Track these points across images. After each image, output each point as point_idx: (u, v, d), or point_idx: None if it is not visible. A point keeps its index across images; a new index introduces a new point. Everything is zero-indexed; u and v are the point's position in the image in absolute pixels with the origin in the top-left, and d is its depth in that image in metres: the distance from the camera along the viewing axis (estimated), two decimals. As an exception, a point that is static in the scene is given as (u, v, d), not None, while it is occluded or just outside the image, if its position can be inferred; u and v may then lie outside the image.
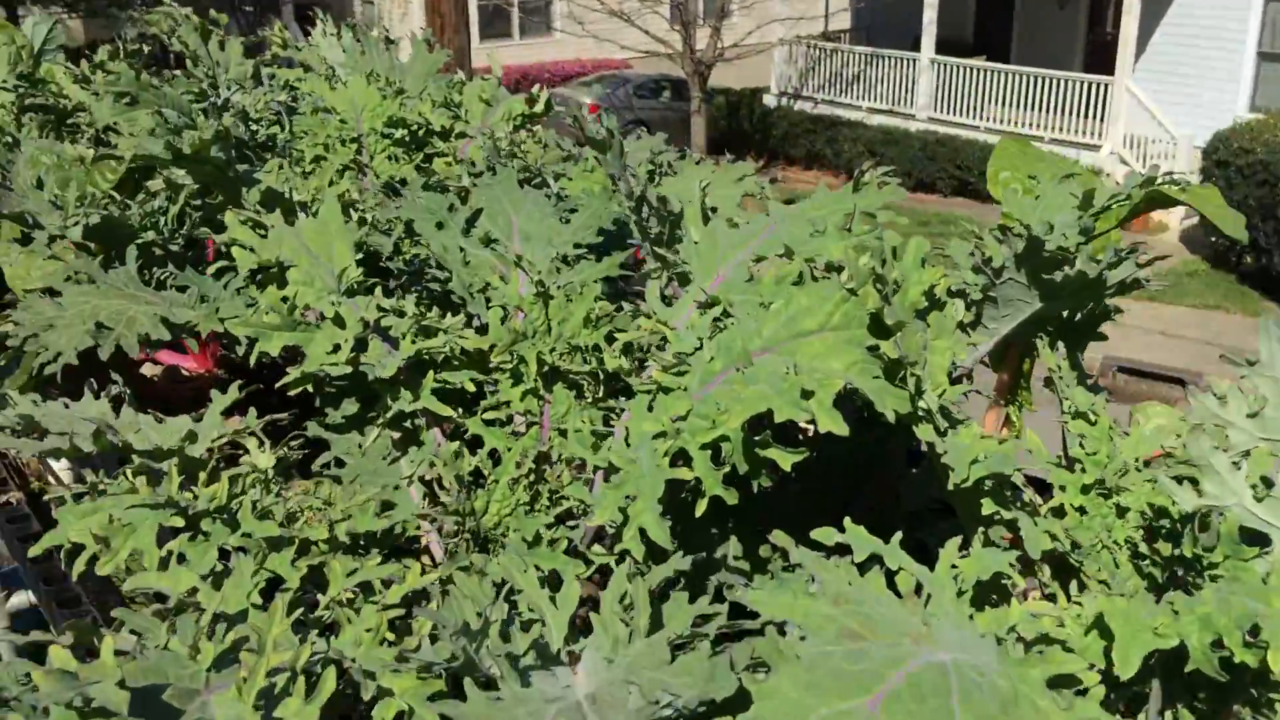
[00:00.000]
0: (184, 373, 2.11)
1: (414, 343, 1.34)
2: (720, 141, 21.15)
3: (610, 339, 1.34)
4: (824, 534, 1.02)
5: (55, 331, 1.64)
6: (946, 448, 1.06)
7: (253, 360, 1.36)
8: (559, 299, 1.33)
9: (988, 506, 1.09)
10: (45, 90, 2.80)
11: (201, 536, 1.11)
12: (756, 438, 1.04)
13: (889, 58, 20.03)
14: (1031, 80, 17.91)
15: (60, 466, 3.77)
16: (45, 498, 3.39)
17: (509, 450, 1.28)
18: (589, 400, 1.32)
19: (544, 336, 1.31)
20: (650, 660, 0.92)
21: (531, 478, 1.29)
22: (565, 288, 1.39)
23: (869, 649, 0.87)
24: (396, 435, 1.42)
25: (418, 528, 1.36)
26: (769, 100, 21.41)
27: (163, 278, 1.82)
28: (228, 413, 2.17)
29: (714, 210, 1.40)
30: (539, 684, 0.98)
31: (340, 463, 1.50)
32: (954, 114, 19.02)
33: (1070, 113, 17.48)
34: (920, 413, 1.07)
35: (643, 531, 1.08)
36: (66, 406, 1.43)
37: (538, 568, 1.12)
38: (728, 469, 1.08)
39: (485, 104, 2.35)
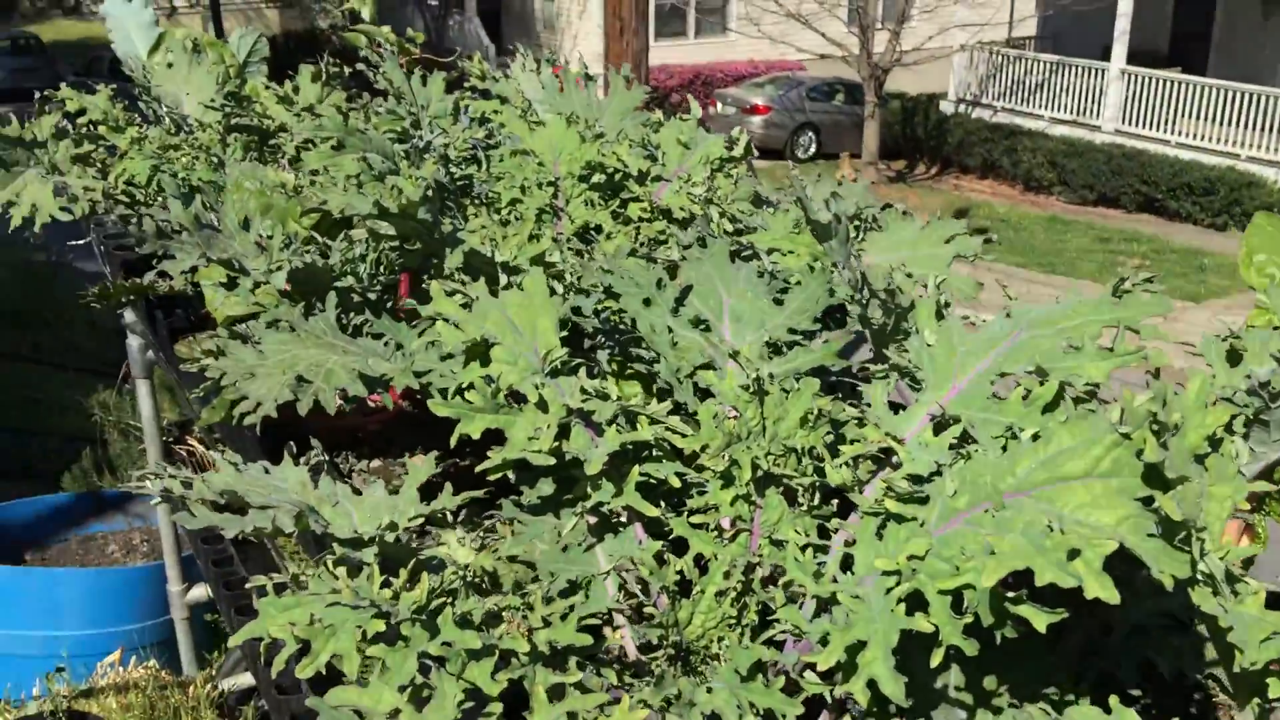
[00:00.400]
0: (370, 404, 2.11)
1: (619, 433, 1.27)
2: (893, 147, 20.70)
3: (829, 442, 1.25)
4: (1084, 715, 0.91)
5: (256, 381, 1.64)
6: (1231, 622, 0.93)
7: (453, 442, 1.31)
8: (774, 395, 1.24)
9: (1275, 689, 0.95)
10: (250, 110, 2.86)
11: (402, 642, 1.06)
12: (1009, 594, 0.93)
13: (1076, 66, 19.21)
14: (1229, 95, 16.92)
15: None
16: (247, 585, 3.48)
17: (716, 558, 1.20)
18: (803, 508, 1.23)
19: (758, 438, 1.22)
20: None
21: (739, 589, 1.20)
22: (780, 380, 1.30)
23: None
24: (593, 520, 1.36)
25: (611, 622, 1.30)
26: (946, 106, 20.81)
27: (359, 324, 1.81)
28: (407, 448, 2.17)
29: (938, 288, 1.29)
30: None
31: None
32: (1143, 127, 18.12)
33: (1271, 130, 16.43)
34: (1201, 578, 0.94)
35: (872, 682, 0.98)
36: (266, 471, 1.42)
37: (752, 704, 1.04)
38: (969, 619, 0.97)
39: (683, 146, 2.27)
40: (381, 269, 1.86)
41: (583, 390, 1.33)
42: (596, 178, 2.12)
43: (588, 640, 1.12)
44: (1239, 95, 16.77)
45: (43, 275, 10.34)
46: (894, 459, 1.15)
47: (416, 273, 2.01)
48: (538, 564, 1.33)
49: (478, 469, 1.31)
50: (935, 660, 0.97)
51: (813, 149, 20.85)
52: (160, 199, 2.55)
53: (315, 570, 1.17)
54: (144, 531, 4.72)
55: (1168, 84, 17.79)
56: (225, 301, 1.90)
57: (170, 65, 2.89)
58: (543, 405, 1.29)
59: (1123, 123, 18.39)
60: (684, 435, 1.29)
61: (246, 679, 3.84)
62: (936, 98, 21.10)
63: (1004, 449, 1.05)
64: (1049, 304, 1.22)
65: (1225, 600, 0.95)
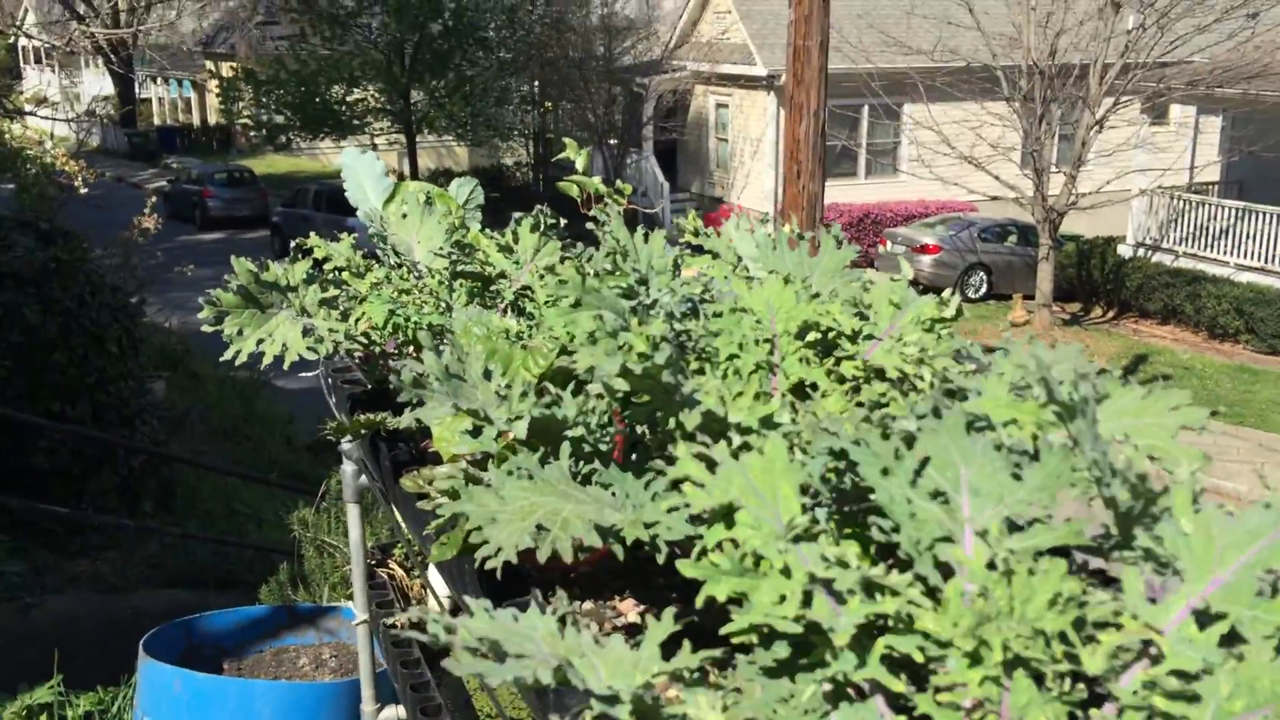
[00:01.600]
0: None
1: (861, 604, 1.30)
2: (1067, 290, 20.27)
3: (1079, 625, 1.25)
4: None
5: (498, 526, 1.73)
6: None
7: (699, 602, 1.36)
8: (1021, 574, 1.26)
9: None
10: (473, 257, 3.06)
11: (660, 802, 1.10)
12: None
13: (1264, 213, 18.55)
14: None
15: (440, 591, 4.02)
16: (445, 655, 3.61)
17: (963, 741, 1.21)
18: (1052, 693, 1.22)
19: (1006, 618, 1.23)
20: None
21: (986, 774, 1.20)
22: (1021, 557, 1.31)
23: None
24: (829, 688, 1.38)
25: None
26: (1124, 250, 20.33)
27: (587, 473, 1.90)
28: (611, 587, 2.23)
29: (1193, 475, 1.28)
30: None
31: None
32: (1337, 274, 17.28)
33: None
34: None
35: None
36: (515, 619, 1.50)
37: None
38: (1248, 830, 0.95)
39: (894, 306, 2.33)
40: (612, 422, 1.96)
41: (823, 558, 1.36)
42: (811, 336, 2.18)
43: (840, 815, 1.13)
44: None
45: (246, 392, 11.03)
46: (1152, 650, 1.14)
47: (633, 427, 2.11)
48: (775, 728, 1.35)
49: (721, 631, 1.36)
50: None
51: (984, 289, 20.61)
52: (396, 341, 2.74)
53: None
54: (333, 647, 4.89)
55: (1363, 231, 17.00)
56: (448, 429, 2.03)
57: (404, 215, 3.13)
58: (786, 571, 1.33)
59: (1314, 270, 17.61)
60: (926, 608, 1.31)
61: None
62: (1114, 241, 20.66)
63: (1277, 650, 1.03)
64: (1312, 497, 1.20)
65: None
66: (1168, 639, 1.12)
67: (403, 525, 3.39)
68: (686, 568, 1.34)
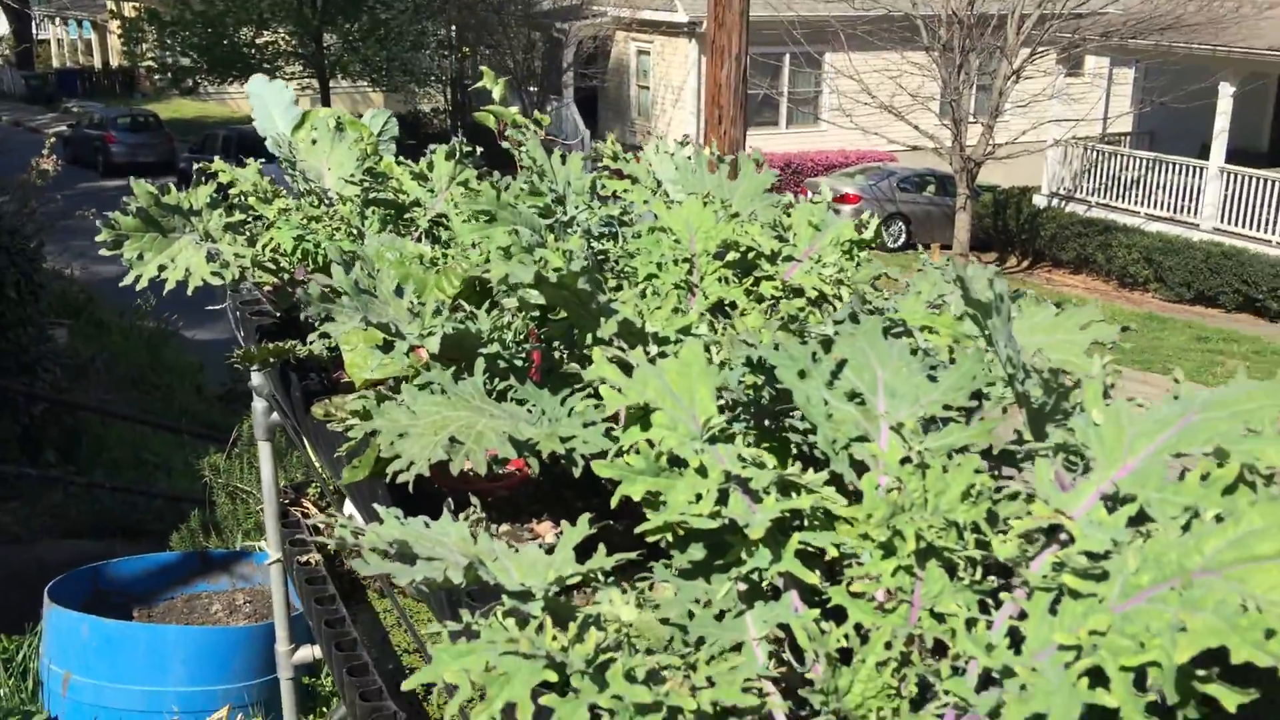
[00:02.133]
0: (495, 469, 2.15)
1: (777, 501, 1.29)
2: (984, 239, 20.60)
3: (990, 518, 1.26)
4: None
5: (409, 440, 1.69)
6: None
7: (614, 503, 1.35)
8: (936, 468, 1.26)
9: None
10: (386, 185, 2.98)
11: (573, 694, 1.09)
12: (1199, 671, 0.92)
13: (1173, 164, 19.01)
14: (1336, 195, 16.58)
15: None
16: (366, 586, 3.55)
17: (877, 628, 1.21)
18: (964, 582, 1.23)
19: (920, 510, 1.24)
20: None
21: (899, 660, 1.21)
22: (936, 454, 1.32)
23: None
24: (743, 587, 1.38)
25: (763, 693, 1.30)
26: (1039, 200, 20.70)
27: (503, 389, 1.86)
28: (539, 511, 2.20)
29: (1104, 369, 1.30)
30: None
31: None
32: (1243, 226, 17.80)
33: (1380, 232, 16.06)
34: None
35: (1047, 756, 0.98)
36: (427, 525, 1.47)
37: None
38: (1151, 697, 0.97)
39: (814, 228, 2.32)
40: (529, 339, 1.92)
41: (740, 458, 1.35)
42: (730, 256, 2.16)
43: (754, 701, 1.13)
44: (1344, 196, 16.45)
45: (154, 341, 10.74)
46: (1062, 535, 1.15)
47: (549, 344, 2.07)
48: (689, 628, 1.34)
49: (637, 530, 1.34)
50: (1116, 741, 0.97)
51: (902, 239, 20.84)
52: (306, 270, 2.66)
53: (486, 621, 1.20)
54: (247, 593, 4.81)
55: (1269, 184, 17.49)
56: (378, 367, 1.97)
57: (314, 142, 3.03)
58: (702, 471, 1.32)
59: (1221, 221, 18.11)
60: (840, 504, 1.31)
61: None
62: (1029, 191, 21.02)
63: (1185, 529, 1.05)
64: (1219, 388, 1.22)
65: None
66: (1078, 523, 1.13)
67: (314, 458, 3.32)
68: (602, 467, 1.32)
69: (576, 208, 2.15)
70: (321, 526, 4.14)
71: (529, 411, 1.84)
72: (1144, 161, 19.51)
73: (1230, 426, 1.14)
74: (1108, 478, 1.17)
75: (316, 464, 3.58)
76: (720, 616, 1.38)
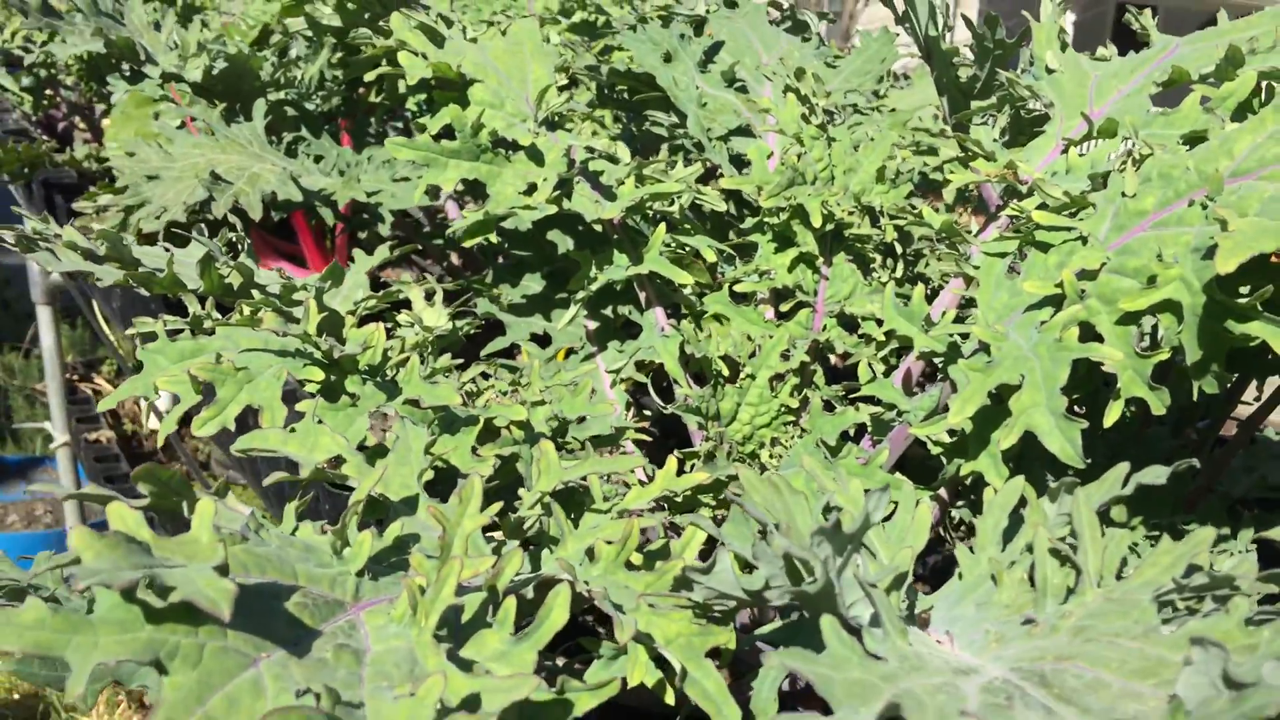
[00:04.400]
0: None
1: (637, 188, 0.97)
2: None
3: (912, 208, 0.96)
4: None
5: (161, 183, 1.31)
6: None
7: (416, 197, 1.01)
8: (844, 143, 0.95)
9: None
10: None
11: (347, 399, 0.75)
12: (1242, 299, 0.64)
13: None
14: None
15: (162, 404, 3.49)
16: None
17: (769, 338, 0.90)
18: (880, 280, 0.94)
19: (825, 184, 0.93)
20: (1124, 621, 0.54)
21: (799, 377, 0.90)
22: (842, 138, 1.02)
23: None
24: (593, 325, 1.06)
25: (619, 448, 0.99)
26: None
27: (292, 141, 1.49)
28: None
29: (1059, 6, 1.01)
30: (882, 647, 0.60)
31: (510, 356, 1.14)
32: None
33: None
34: None
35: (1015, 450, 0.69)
36: (168, 250, 1.10)
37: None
38: (1164, 354, 0.68)
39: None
40: (326, 86, 1.54)
41: (588, 149, 1.03)
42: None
43: (607, 409, 0.82)
44: None
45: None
46: (1021, 191, 0.87)
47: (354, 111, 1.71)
48: (522, 370, 1.02)
49: (449, 230, 1.01)
50: (1112, 417, 0.68)
51: None
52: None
53: (224, 319, 0.86)
54: (47, 503, 4.28)
55: None
56: (121, 119, 1.57)
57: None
58: (536, 155, 0.99)
59: None
60: (718, 199, 1.00)
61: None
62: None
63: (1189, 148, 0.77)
64: (1205, 29, 0.95)
65: None
66: (1039, 176, 0.84)
67: (103, 324, 2.88)
68: (397, 148, 0.97)
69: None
70: (121, 415, 3.66)
71: (327, 166, 1.48)
72: None
73: (1221, 55, 0.87)
74: (1069, 129, 0.89)
75: (106, 329, 3.11)
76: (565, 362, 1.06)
